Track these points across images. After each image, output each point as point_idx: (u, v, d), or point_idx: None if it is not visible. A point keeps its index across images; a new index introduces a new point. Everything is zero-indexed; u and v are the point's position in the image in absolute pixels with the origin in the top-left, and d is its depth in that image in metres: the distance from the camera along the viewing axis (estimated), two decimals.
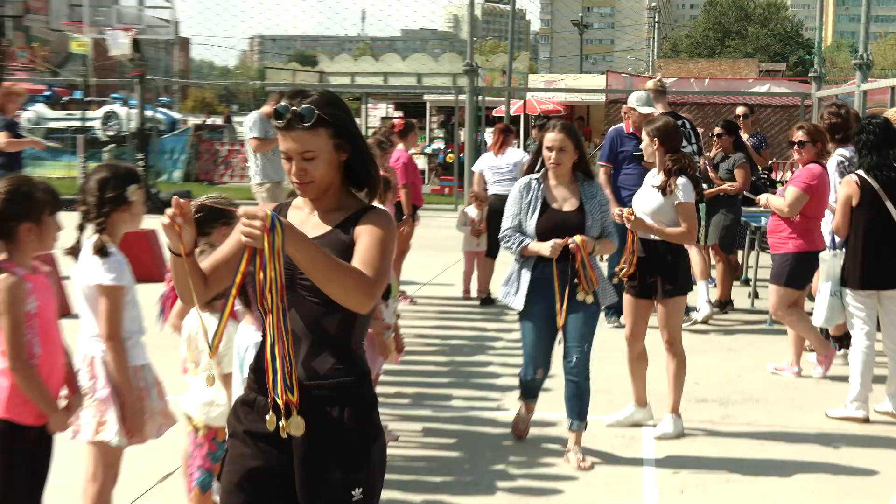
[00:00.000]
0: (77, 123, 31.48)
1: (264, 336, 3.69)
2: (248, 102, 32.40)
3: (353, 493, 3.90)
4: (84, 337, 5.46)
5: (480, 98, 27.59)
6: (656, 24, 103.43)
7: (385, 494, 7.06)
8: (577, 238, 7.27)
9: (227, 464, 4.00)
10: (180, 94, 43.89)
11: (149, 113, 29.44)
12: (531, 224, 7.34)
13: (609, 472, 7.54)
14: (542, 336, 7.63)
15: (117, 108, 34.32)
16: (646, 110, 12.05)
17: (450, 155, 30.56)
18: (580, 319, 7.47)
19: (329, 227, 3.94)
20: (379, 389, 8.63)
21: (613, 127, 12.92)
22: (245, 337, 5.82)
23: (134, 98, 28.86)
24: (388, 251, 3.84)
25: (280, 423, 3.71)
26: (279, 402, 3.65)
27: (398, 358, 8.63)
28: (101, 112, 34.52)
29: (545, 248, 7.26)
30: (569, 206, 7.47)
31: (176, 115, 37.10)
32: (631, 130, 12.21)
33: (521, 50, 35.36)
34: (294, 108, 3.77)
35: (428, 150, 32.94)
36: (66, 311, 11.41)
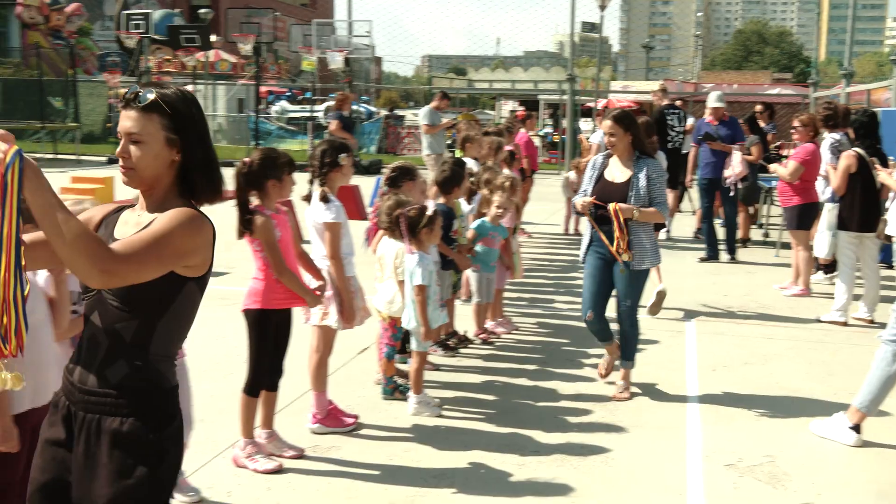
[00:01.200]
0: (307, 114, 31.85)
1: None
2: (420, 100, 32.47)
3: None
4: (315, 256, 5.53)
5: (577, 97, 27.40)
6: (700, 46, 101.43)
7: (502, 365, 7.13)
8: (612, 204, 6.18)
9: (31, 473, 2.73)
10: (375, 95, 44.10)
11: (354, 107, 29.76)
12: (588, 190, 6.50)
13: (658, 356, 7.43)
14: (592, 284, 6.50)
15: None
16: (715, 104, 12.26)
17: (555, 136, 30.32)
18: (625, 279, 6.35)
19: (141, 226, 2.60)
20: (506, 295, 8.64)
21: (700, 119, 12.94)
22: (412, 260, 5.94)
23: None
24: (160, 243, 2.45)
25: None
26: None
27: (521, 274, 8.61)
28: (323, 106, 34.78)
29: (578, 202, 6.46)
30: (620, 178, 6.36)
31: (372, 108, 37.20)
32: (708, 119, 12.36)
33: (605, 64, 34.67)
34: (139, 90, 2.61)
35: (541, 133, 32.64)
36: (299, 240, 11.59)
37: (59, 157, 26.83)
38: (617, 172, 6.42)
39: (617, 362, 6.66)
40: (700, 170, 12.28)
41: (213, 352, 6.93)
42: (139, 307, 2.56)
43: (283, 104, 37.45)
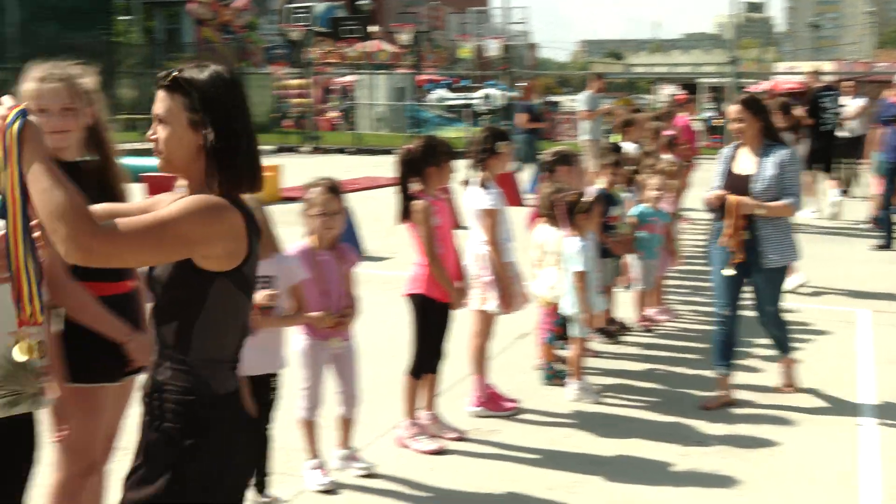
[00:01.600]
0: (465, 101, 32.06)
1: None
2: (577, 86, 32.24)
3: None
4: (474, 242, 5.56)
5: (740, 80, 26.53)
6: (872, 24, 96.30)
7: (663, 353, 6.99)
8: (731, 198, 5.57)
9: None
10: (531, 81, 44.01)
11: (512, 94, 29.74)
12: (715, 184, 5.81)
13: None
14: (719, 277, 5.81)
15: (491, 90, 34.69)
16: None
17: (717, 120, 29.43)
18: (761, 279, 5.74)
19: None
20: (667, 283, 8.47)
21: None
22: (571, 246, 5.90)
23: (502, 84, 29.40)
24: (163, 228, 2.19)
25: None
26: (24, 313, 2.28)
27: (679, 261, 8.44)
28: (480, 94, 34.94)
29: (709, 198, 5.80)
30: (746, 170, 5.69)
31: None
32: (893, 99, 11.85)
33: (769, 45, 33.57)
34: (172, 70, 2.38)
35: (702, 117, 31.80)
36: (458, 225, 11.66)
37: None
38: (745, 163, 5.76)
39: (779, 356, 6.18)
40: (887, 153, 11.43)
41: (375, 335, 7.07)
42: (174, 308, 2.36)
43: (441, 92, 37.80)
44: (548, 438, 5.35)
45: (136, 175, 11.77)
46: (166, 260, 2.29)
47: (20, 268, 2.24)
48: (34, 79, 3.15)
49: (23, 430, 2.93)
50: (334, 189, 4.57)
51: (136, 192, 10.31)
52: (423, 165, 5.07)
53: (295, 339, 4.63)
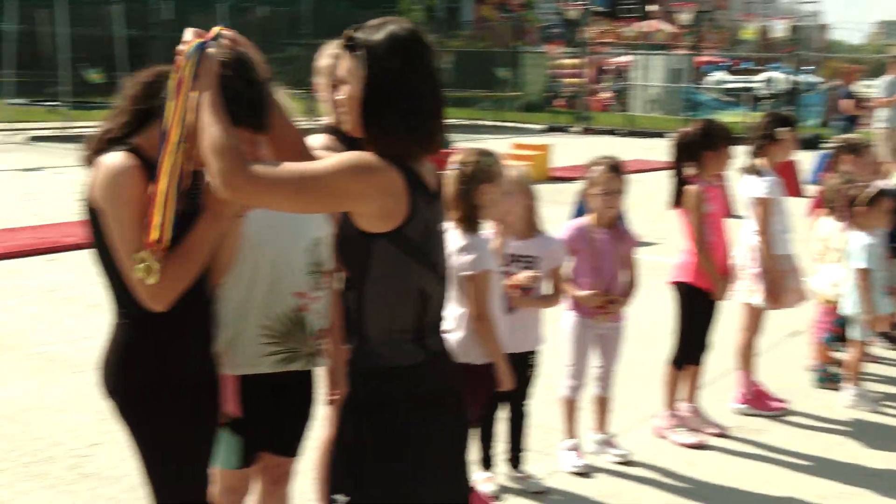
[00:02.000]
0: (745, 85, 30.85)
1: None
2: (872, 71, 30.11)
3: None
4: (747, 231, 5.34)
5: None
6: None
7: None
8: None
9: None
10: (820, 64, 41.58)
11: (797, 77, 28.33)
12: None
13: None
14: None
15: (775, 74, 33.16)
16: None
17: None
18: None
19: None
20: None
21: None
22: (856, 242, 5.52)
23: (787, 67, 28.07)
24: (311, 177, 2.14)
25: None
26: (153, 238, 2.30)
27: None
28: (762, 77, 33.49)
29: None
30: None
31: (815, 79, 35.17)
32: None
33: None
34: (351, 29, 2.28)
35: None
36: (732, 214, 11.22)
37: (502, 124, 28.36)
38: None
39: None
40: None
41: (638, 321, 6.95)
42: (350, 276, 2.31)
43: (720, 74, 36.57)
44: (817, 444, 5.06)
45: None
46: (311, 210, 2.34)
47: (159, 193, 2.29)
48: (329, 55, 3.29)
49: (300, 387, 3.10)
50: (616, 168, 4.54)
51: None
52: (698, 150, 4.91)
53: (563, 316, 4.63)
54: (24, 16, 22.09)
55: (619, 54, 36.24)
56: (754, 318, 5.45)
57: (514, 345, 4.06)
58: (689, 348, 5.05)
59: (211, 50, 2.27)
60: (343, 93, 2.29)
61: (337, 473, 2.32)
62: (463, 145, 3.99)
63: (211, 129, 2.15)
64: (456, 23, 43.77)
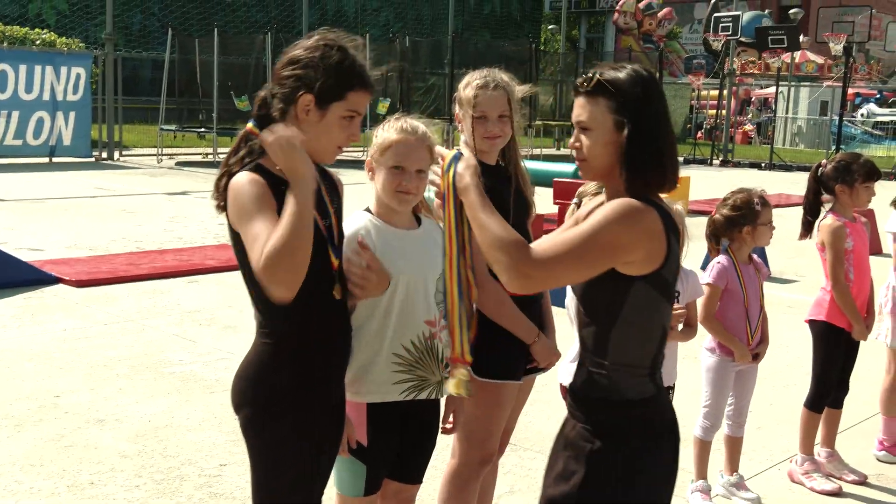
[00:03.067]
0: None
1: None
2: None
3: None
4: (892, 269, 5.13)
5: None
6: None
7: None
8: None
9: None
10: None
11: None
12: None
13: None
14: None
15: None
16: None
17: None
18: None
19: (581, 220, 2.49)
20: None
21: None
22: None
23: None
24: (586, 244, 2.18)
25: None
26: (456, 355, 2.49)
27: None
28: None
29: None
30: None
31: None
32: None
33: None
34: (592, 73, 2.34)
35: None
36: (876, 251, 10.77)
37: None
38: None
39: None
40: None
41: (774, 360, 6.75)
42: (593, 314, 2.36)
43: (871, 107, 35.30)
44: None
45: (549, 179, 12.22)
46: (598, 272, 2.26)
47: (454, 308, 2.46)
48: (475, 86, 3.32)
49: (425, 414, 3.11)
50: (764, 201, 4.44)
51: (546, 196, 10.71)
52: (836, 183, 4.74)
53: (704, 355, 4.51)
54: (179, 45, 23.19)
55: (765, 85, 35.41)
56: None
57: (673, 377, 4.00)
58: (826, 390, 4.85)
59: (463, 159, 2.38)
60: (586, 139, 2.33)
61: (565, 496, 2.36)
62: None
63: (487, 228, 2.22)
64: (596, 53, 43.67)
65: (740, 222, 4.39)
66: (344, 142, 2.56)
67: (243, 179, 2.43)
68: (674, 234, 2.29)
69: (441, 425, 3.20)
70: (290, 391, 2.54)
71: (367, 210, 3.03)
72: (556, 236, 2.25)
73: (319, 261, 2.48)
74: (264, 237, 2.28)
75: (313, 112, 2.49)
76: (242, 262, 2.48)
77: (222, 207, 2.49)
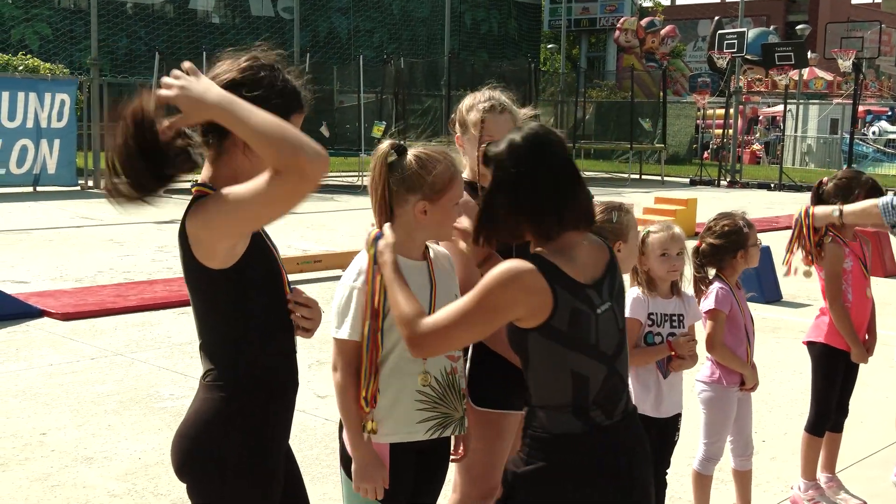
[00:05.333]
0: None
1: None
2: None
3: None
4: None
5: None
6: None
7: None
8: None
9: None
10: None
11: None
12: None
13: None
14: None
15: None
16: None
17: None
18: None
19: None
20: None
21: None
22: None
23: None
24: (469, 313, 2.49)
25: None
26: None
27: None
28: None
29: None
30: None
31: None
32: None
33: None
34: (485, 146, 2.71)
35: None
36: (891, 273, 10.82)
37: (645, 177, 28.16)
38: None
39: None
40: None
41: (788, 387, 6.74)
42: (519, 358, 2.60)
43: (883, 124, 35.46)
44: None
45: None
46: (490, 330, 2.55)
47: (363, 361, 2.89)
48: (482, 109, 3.34)
49: (439, 450, 3.11)
50: (748, 222, 4.43)
51: None
52: (837, 201, 4.77)
53: (700, 385, 4.43)
54: (167, 70, 23.29)
55: (773, 103, 35.57)
56: None
57: (668, 409, 3.98)
58: (826, 413, 4.86)
59: (382, 241, 2.78)
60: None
61: None
62: (600, 199, 4.00)
63: (396, 303, 2.62)
64: (598, 72, 43.90)
65: (732, 249, 4.36)
66: None
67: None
68: (566, 286, 2.48)
69: (453, 455, 3.20)
70: (243, 454, 2.47)
71: None
72: (452, 304, 2.54)
73: (276, 295, 2.49)
74: None
75: None
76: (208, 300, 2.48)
77: None
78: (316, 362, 7.03)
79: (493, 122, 3.31)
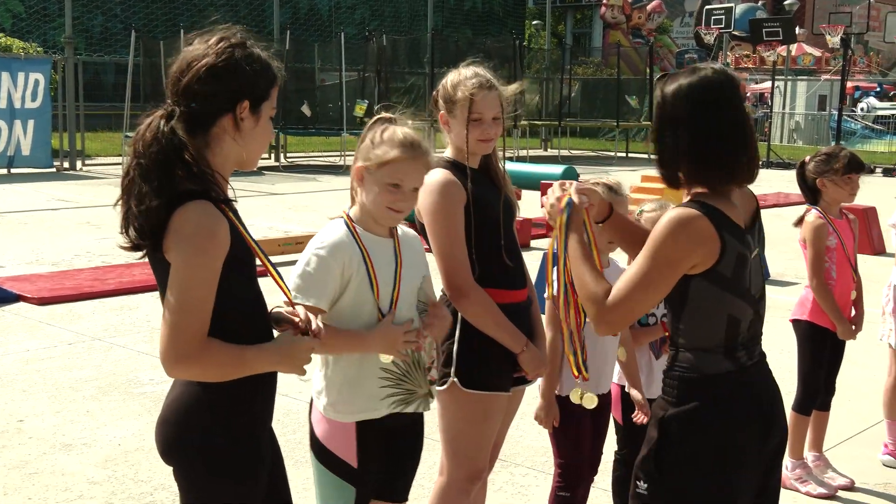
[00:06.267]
0: None
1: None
2: None
3: None
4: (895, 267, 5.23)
5: None
6: None
7: None
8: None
9: None
10: None
11: None
12: None
13: None
14: None
15: None
16: None
17: None
18: None
19: None
20: None
21: None
22: None
23: None
24: (648, 276, 2.56)
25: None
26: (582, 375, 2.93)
27: None
28: None
29: None
30: None
31: None
32: None
33: None
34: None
35: None
36: (880, 250, 10.91)
37: (631, 155, 28.19)
38: None
39: None
40: None
41: (776, 365, 6.77)
42: (669, 304, 2.69)
43: (871, 101, 35.61)
44: None
45: (536, 182, 12.26)
46: (670, 289, 2.60)
47: (565, 331, 2.88)
48: (471, 86, 3.30)
49: (411, 430, 3.13)
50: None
51: (534, 199, 10.72)
52: (819, 177, 4.83)
53: None
54: (143, 48, 23.14)
55: (760, 80, 35.61)
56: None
57: (659, 389, 4.00)
58: (813, 392, 4.93)
59: (577, 202, 2.76)
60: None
61: (643, 459, 2.68)
62: (587, 178, 4.00)
63: (581, 279, 2.66)
64: (583, 49, 43.81)
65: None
66: (271, 139, 2.66)
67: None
68: (729, 230, 2.55)
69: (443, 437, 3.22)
70: (228, 439, 2.48)
71: (345, 217, 3.02)
72: (627, 272, 2.59)
73: (251, 279, 2.49)
74: None
75: (249, 119, 2.46)
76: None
77: None
78: None
79: (482, 100, 3.29)
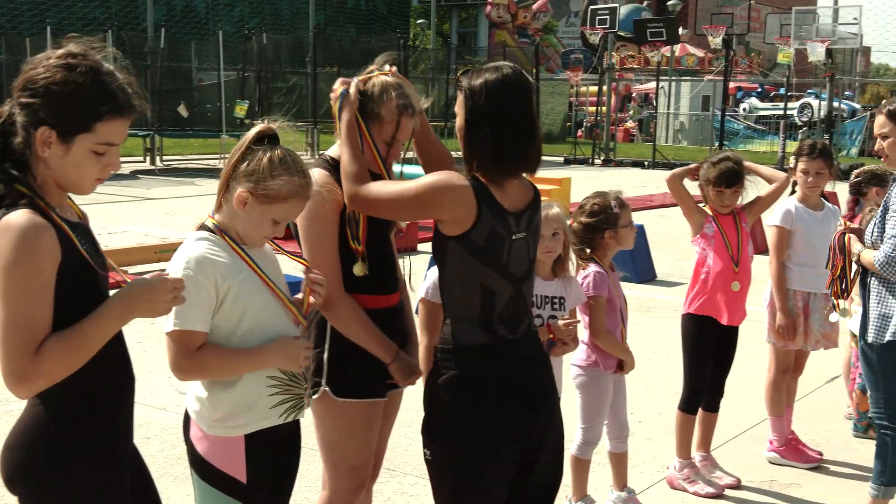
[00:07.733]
0: (779, 112, 31.00)
1: None
2: None
3: None
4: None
5: None
6: None
7: None
8: (847, 234, 4.53)
9: None
10: (860, 90, 41.48)
11: (835, 104, 28.45)
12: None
13: None
14: None
15: (811, 100, 33.32)
16: None
17: None
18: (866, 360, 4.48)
19: None
20: None
21: None
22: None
23: (824, 93, 28.30)
24: (408, 192, 2.89)
25: None
26: None
27: None
28: (797, 104, 33.65)
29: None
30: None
31: (856, 105, 35.20)
32: None
33: None
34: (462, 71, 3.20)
35: None
36: (759, 250, 11.21)
37: None
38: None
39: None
40: None
41: (663, 367, 6.95)
42: (439, 274, 2.99)
43: (753, 101, 36.78)
44: (856, 499, 5.03)
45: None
46: (407, 217, 3.14)
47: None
48: (399, 107, 3.20)
49: (292, 440, 3.07)
50: (622, 202, 4.50)
51: None
52: (699, 183, 5.05)
53: (573, 372, 4.52)
54: (7, 46, 22.44)
55: (645, 80, 36.42)
56: (777, 358, 5.45)
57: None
58: (697, 389, 5.06)
59: (350, 93, 3.15)
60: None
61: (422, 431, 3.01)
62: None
63: (344, 157, 3.05)
64: (469, 48, 44.15)
65: (600, 227, 4.44)
66: (101, 174, 2.40)
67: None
68: (490, 208, 2.85)
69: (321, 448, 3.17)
70: (79, 467, 2.37)
71: (209, 227, 2.90)
72: (398, 183, 2.98)
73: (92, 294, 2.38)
74: None
75: (56, 146, 2.31)
76: None
77: None
78: None
79: (407, 126, 3.25)
